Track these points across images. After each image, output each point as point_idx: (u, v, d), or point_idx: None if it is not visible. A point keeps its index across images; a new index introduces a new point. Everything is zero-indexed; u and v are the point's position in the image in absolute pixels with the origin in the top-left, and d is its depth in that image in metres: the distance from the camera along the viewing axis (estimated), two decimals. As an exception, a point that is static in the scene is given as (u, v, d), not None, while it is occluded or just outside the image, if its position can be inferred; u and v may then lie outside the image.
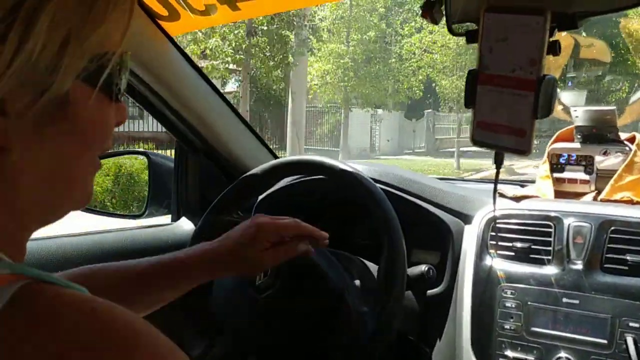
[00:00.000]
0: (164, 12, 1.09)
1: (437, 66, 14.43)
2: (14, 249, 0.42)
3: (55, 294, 0.36)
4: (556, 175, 1.25)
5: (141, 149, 1.71)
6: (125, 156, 1.86)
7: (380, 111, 18.17)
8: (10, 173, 0.40)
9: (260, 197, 1.23)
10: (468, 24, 0.76)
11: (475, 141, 0.77)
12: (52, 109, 0.39)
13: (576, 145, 1.26)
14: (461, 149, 13.84)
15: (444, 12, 0.75)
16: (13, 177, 0.40)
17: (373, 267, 0.99)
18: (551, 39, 0.66)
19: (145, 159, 1.47)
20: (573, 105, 1.41)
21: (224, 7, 1.06)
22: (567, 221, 0.95)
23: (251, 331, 0.95)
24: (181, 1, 1.07)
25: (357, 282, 0.94)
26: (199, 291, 1.01)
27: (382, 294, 0.86)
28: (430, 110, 18.95)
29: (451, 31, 0.77)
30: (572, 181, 1.23)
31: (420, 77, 15.53)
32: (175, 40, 1.15)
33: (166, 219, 1.44)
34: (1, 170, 0.39)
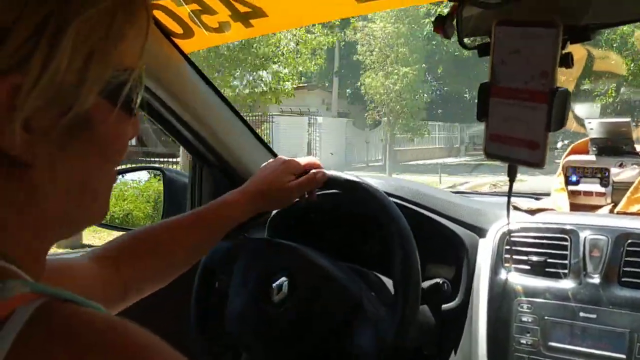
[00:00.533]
0: (178, 30, 1.11)
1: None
2: (34, 265, 0.42)
3: (71, 312, 0.36)
4: (571, 187, 1.24)
5: (157, 165, 1.73)
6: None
7: (320, 119, 16.25)
8: (34, 188, 0.41)
9: (274, 212, 1.23)
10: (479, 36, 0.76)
11: (488, 154, 0.77)
12: (75, 125, 0.41)
13: (591, 157, 1.25)
14: (426, 161, 13.04)
15: (455, 27, 0.76)
16: (36, 192, 0.41)
17: (387, 281, 0.99)
18: (564, 52, 0.66)
19: (161, 175, 1.49)
20: (587, 118, 1.40)
21: (237, 24, 1.08)
22: (583, 234, 0.94)
23: (269, 347, 0.95)
24: (195, 19, 1.09)
25: (373, 294, 0.94)
26: (214, 311, 1.02)
27: (397, 307, 0.85)
28: (385, 118, 16.45)
29: (463, 45, 0.78)
30: (588, 194, 1.22)
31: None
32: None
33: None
34: (25, 186, 0.40)
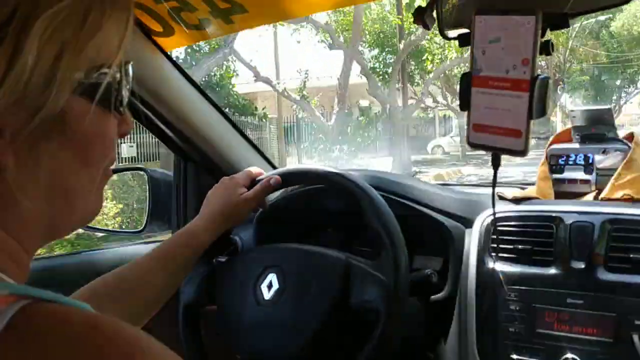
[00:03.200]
0: (158, 27, 1.09)
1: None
2: (16, 269, 0.41)
3: (55, 312, 0.35)
4: (555, 176, 1.25)
5: (140, 165, 1.71)
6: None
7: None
8: (7, 191, 0.39)
9: (258, 213, 1.22)
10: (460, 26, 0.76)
11: (471, 144, 0.77)
12: (48, 125, 0.38)
13: (575, 145, 1.26)
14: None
15: (435, 18, 0.76)
16: (11, 196, 0.39)
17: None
18: (543, 39, 0.66)
19: (145, 175, 1.47)
20: (569, 106, 1.41)
21: (218, 21, 1.07)
22: (568, 221, 0.95)
23: (278, 344, 0.93)
24: (175, 17, 1.07)
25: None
26: (207, 322, 1.00)
27: (387, 253, 0.85)
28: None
29: (444, 36, 0.78)
30: (572, 181, 1.23)
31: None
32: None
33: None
34: (2, 188, 0.39)
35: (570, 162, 1.25)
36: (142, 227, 1.44)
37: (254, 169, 1.03)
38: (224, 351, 1.00)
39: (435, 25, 0.76)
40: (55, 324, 0.34)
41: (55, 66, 0.37)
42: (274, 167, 1.38)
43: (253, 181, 1.00)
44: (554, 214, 0.97)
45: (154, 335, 0.36)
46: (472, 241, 1.03)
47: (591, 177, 1.20)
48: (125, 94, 0.46)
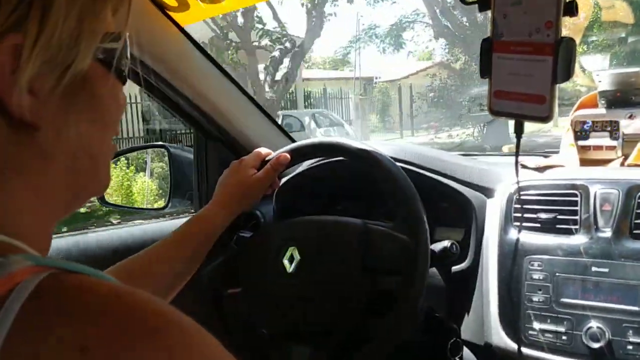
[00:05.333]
0: (173, 3, 1.08)
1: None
2: (40, 240, 0.42)
3: (80, 282, 0.35)
4: (581, 143, 1.22)
5: (159, 142, 1.73)
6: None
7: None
8: (42, 154, 0.41)
9: (281, 181, 1.22)
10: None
11: (493, 111, 0.75)
12: (75, 88, 0.41)
13: (601, 111, 1.23)
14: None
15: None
16: (45, 158, 0.41)
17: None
18: (567, 0, 0.63)
19: (165, 152, 1.49)
20: (596, 70, 1.37)
21: (232, -7, 1.05)
22: (594, 189, 0.93)
23: (305, 319, 0.94)
24: (189, -10, 1.06)
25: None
26: (231, 295, 1.02)
27: (406, 272, 0.85)
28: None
29: (463, 1, 0.75)
30: (598, 148, 1.20)
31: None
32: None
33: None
34: (35, 151, 0.41)
35: (597, 128, 1.22)
36: (164, 204, 1.46)
37: (263, 150, 1.04)
38: (247, 332, 1.02)
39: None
40: (80, 293, 0.34)
41: (78, 27, 0.39)
42: (293, 141, 1.38)
43: (263, 161, 1.01)
44: (578, 182, 0.95)
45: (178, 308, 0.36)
46: (494, 211, 1.01)
47: (617, 143, 1.17)
48: (127, 65, 0.48)
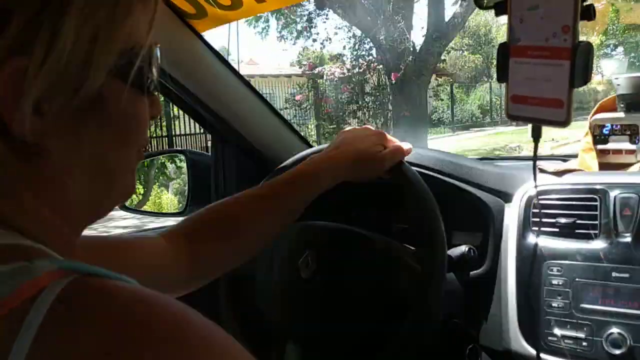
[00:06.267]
0: (191, 10, 1.10)
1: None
2: (65, 248, 0.43)
3: (103, 286, 0.35)
4: (600, 147, 1.21)
5: (179, 148, 1.74)
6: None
7: None
8: (53, 173, 0.41)
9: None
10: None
11: (510, 116, 0.75)
12: (87, 106, 0.40)
13: (619, 114, 1.21)
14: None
15: (470, -14, 0.73)
16: (57, 177, 0.41)
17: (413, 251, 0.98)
18: (585, 4, 0.63)
19: (184, 157, 1.50)
20: (613, 73, 1.36)
21: (249, 0, 1.06)
22: (613, 193, 0.92)
23: (311, 324, 0.95)
24: (208, -2, 1.08)
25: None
26: (246, 294, 1.02)
27: (423, 277, 0.85)
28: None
29: (479, 5, 0.75)
30: (617, 152, 1.19)
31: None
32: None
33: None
34: (45, 171, 0.40)
35: (616, 132, 1.21)
36: (183, 209, 1.48)
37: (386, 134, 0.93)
38: (262, 325, 1.03)
39: (471, -6, 0.74)
40: (102, 297, 0.34)
41: (91, 48, 0.38)
42: (310, 146, 1.38)
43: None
44: (598, 186, 0.94)
45: (195, 308, 0.36)
46: (512, 216, 1.01)
47: (637, 147, 1.16)
48: (155, 75, 0.47)
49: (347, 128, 0.93)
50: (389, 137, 0.91)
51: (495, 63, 0.76)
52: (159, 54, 0.48)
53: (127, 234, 1.20)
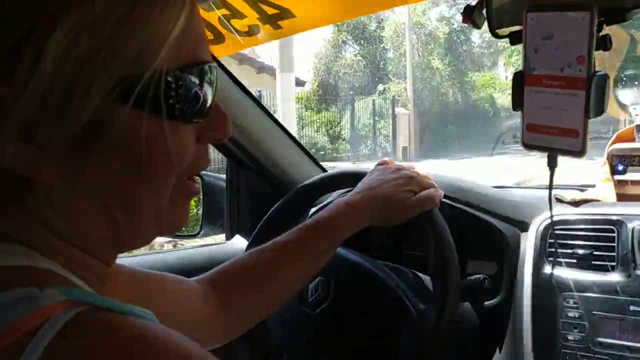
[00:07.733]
0: (209, 35, 1.12)
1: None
2: (93, 277, 0.41)
3: (107, 321, 0.34)
4: (618, 177, 1.19)
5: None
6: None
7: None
8: (62, 206, 0.39)
9: (312, 210, 1.23)
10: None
11: (525, 145, 0.74)
12: (88, 137, 0.36)
13: (638, 144, 1.20)
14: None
15: (485, 16, 0.74)
16: (64, 209, 0.39)
17: (426, 279, 0.97)
18: (600, 34, 0.63)
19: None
20: (632, 104, 1.35)
21: (267, 27, 1.08)
22: (632, 225, 0.90)
23: (309, 348, 0.94)
24: (226, 24, 1.10)
25: (410, 290, 0.92)
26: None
27: (436, 300, 0.84)
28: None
29: (494, 34, 0.76)
30: (636, 183, 1.17)
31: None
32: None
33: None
34: (55, 205, 0.38)
35: (634, 163, 1.19)
36: (197, 231, 1.48)
37: (425, 172, 0.91)
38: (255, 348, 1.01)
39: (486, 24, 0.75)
40: (104, 333, 0.33)
41: (77, 73, 0.34)
42: (324, 170, 1.38)
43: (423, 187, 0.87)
44: (615, 217, 0.92)
45: None
46: (528, 245, 0.99)
47: (656, 178, 1.14)
48: (205, 97, 0.42)
49: (379, 166, 0.91)
50: (419, 179, 0.88)
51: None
52: (212, 73, 0.43)
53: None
